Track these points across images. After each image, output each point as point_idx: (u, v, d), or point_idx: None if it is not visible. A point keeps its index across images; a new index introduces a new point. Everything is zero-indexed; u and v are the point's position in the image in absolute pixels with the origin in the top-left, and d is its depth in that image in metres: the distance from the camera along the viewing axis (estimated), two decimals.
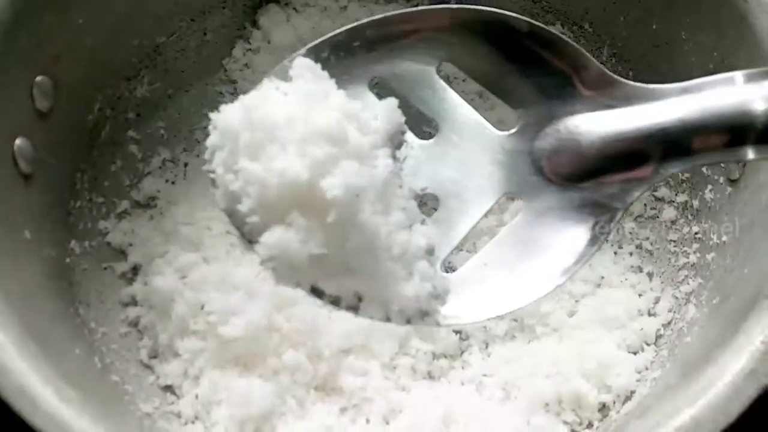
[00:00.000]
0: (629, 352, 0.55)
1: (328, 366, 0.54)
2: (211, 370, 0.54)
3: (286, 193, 0.39)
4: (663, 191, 0.62)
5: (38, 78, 0.52)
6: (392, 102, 0.45)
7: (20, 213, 0.49)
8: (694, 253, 0.57)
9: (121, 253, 0.60)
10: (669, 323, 0.56)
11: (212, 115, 0.42)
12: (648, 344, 0.56)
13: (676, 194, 0.61)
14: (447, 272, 0.44)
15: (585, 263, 0.43)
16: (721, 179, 0.55)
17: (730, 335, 0.42)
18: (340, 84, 0.43)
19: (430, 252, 0.44)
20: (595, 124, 0.43)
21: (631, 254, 0.61)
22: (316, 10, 0.70)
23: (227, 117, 0.42)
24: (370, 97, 0.45)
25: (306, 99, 0.41)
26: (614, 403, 0.53)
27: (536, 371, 0.55)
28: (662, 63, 0.58)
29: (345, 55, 0.45)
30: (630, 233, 0.61)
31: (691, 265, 0.57)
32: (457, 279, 0.44)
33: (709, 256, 0.54)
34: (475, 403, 0.54)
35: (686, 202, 0.60)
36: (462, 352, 0.58)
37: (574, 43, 0.44)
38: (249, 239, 0.41)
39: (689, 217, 0.59)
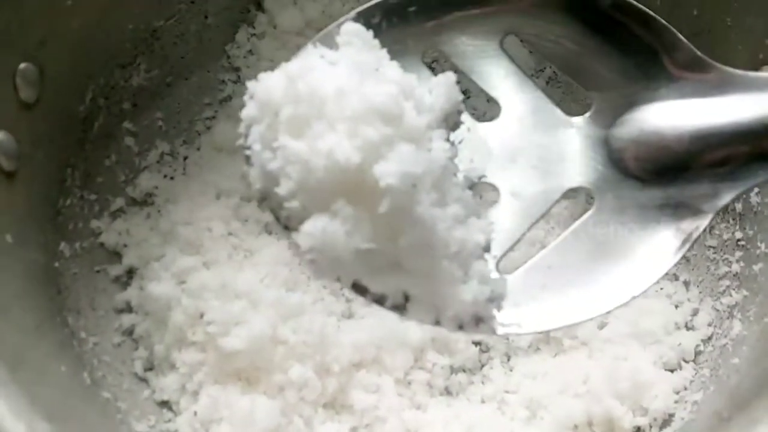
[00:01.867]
0: (666, 370, 0.51)
1: (337, 382, 0.50)
2: (211, 385, 0.50)
3: (333, 177, 0.34)
4: None
5: (21, 65, 0.48)
6: (450, 77, 0.40)
7: (2, 215, 0.45)
8: (737, 261, 0.52)
9: (115, 255, 0.57)
10: (709, 338, 0.51)
11: (249, 84, 0.37)
12: (686, 361, 0.51)
13: None
14: (503, 273, 0.39)
15: (665, 273, 0.38)
16: None
17: None
18: (392, 54, 0.38)
19: (486, 248, 0.39)
20: (684, 114, 0.38)
21: None
22: None
23: (267, 86, 0.36)
24: (425, 71, 0.40)
25: (357, 70, 0.36)
26: (650, 427, 0.49)
27: (564, 389, 0.50)
28: (703, 53, 0.53)
29: (398, 22, 0.40)
30: None
31: (734, 275, 0.52)
32: (517, 281, 0.39)
33: (756, 267, 0.50)
34: (498, 424, 0.50)
35: (727, 205, 0.55)
36: (482, 366, 0.54)
37: (663, 20, 0.39)
38: (286, 225, 0.37)
39: (731, 221, 0.54)
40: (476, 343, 0.54)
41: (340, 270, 0.36)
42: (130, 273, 0.56)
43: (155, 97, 0.62)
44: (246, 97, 0.37)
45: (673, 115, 0.38)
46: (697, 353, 0.51)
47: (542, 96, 0.41)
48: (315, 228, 0.34)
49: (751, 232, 0.52)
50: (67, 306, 0.51)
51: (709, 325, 0.52)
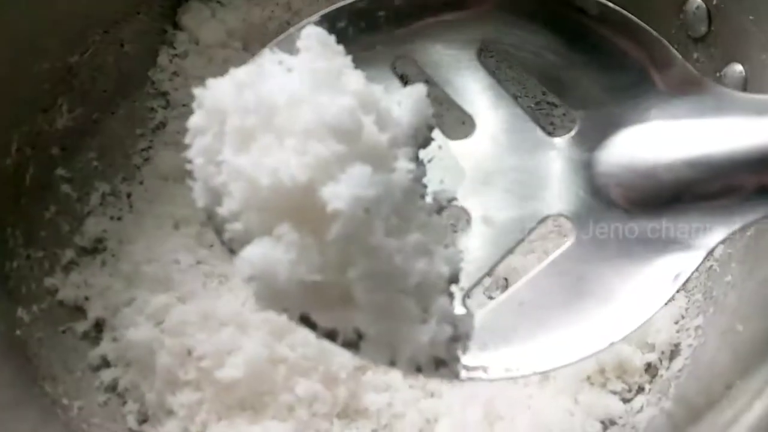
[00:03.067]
0: None
1: (346, 389, 0.48)
2: (216, 422, 0.47)
3: (278, 198, 0.31)
4: None
5: None
6: (420, 89, 0.36)
7: None
8: None
9: (78, 310, 0.53)
10: None
11: (196, 91, 0.33)
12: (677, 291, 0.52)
13: None
14: (470, 309, 0.35)
15: (651, 316, 0.34)
16: None
17: None
18: (358, 62, 0.34)
19: (453, 280, 0.34)
20: (675, 138, 0.34)
21: None
22: (241, 0, 0.63)
23: (216, 93, 0.33)
24: (394, 81, 0.37)
25: (314, 79, 0.32)
26: (660, 361, 0.49)
27: None
28: None
29: (366, 27, 0.36)
30: None
31: None
32: (485, 319, 0.34)
33: None
34: (514, 394, 0.49)
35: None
36: None
37: (655, 32, 0.35)
38: (230, 248, 0.33)
39: None
40: None
41: (285, 302, 0.32)
42: (98, 326, 0.52)
43: (84, 137, 0.58)
44: (194, 105, 0.34)
45: (664, 138, 0.34)
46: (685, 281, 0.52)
47: (521, 113, 0.37)
48: (255, 255, 0.31)
49: None
50: (41, 374, 0.47)
51: None
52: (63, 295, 0.52)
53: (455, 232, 0.38)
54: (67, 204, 0.56)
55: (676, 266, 0.34)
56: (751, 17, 0.47)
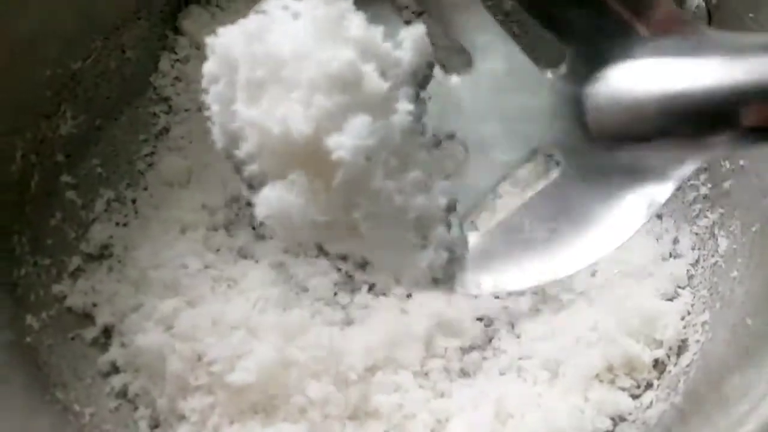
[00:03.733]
0: (666, 300, 0.52)
1: (357, 390, 0.49)
2: (228, 426, 0.47)
3: (288, 146, 0.34)
4: None
5: None
6: (419, 29, 0.37)
7: None
8: (703, 184, 0.54)
9: (86, 317, 0.52)
10: (697, 261, 0.53)
11: (208, 40, 0.36)
12: (682, 287, 0.53)
13: None
14: (466, 232, 0.39)
15: (629, 236, 0.38)
16: None
17: None
18: (359, 2, 0.36)
19: (451, 208, 0.38)
20: (657, 75, 0.36)
21: None
22: (241, 4, 0.64)
23: (226, 42, 0.35)
24: (395, 17, 0.38)
25: (317, 28, 0.34)
26: (668, 357, 0.50)
27: (576, 341, 0.51)
28: None
29: None
30: None
31: (704, 197, 0.54)
32: (479, 242, 0.39)
33: (726, 184, 0.52)
34: (524, 391, 0.50)
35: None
36: (490, 340, 0.54)
37: None
38: (249, 185, 0.36)
39: None
40: (479, 318, 0.54)
41: (299, 237, 0.36)
42: (107, 332, 0.52)
43: (88, 144, 0.58)
44: (208, 51, 0.36)
45: (646, 74, 0.37)
46: (690, 277, 0.53)
47: (517, 49, 0.40)
48: (271, 197, 0.34)
49: None
50: (52, 381, 0.47)
51: (693, 248, 0.54)
52: (71, 302, 0.52)
53: (452, 164, 0.40)
54: (72, 211, 0.55)
55: (651, 195, 0.38)
56: (750, 15, 0.48)
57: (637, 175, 0.38)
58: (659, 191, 0.38)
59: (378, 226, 0.35)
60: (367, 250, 0.36)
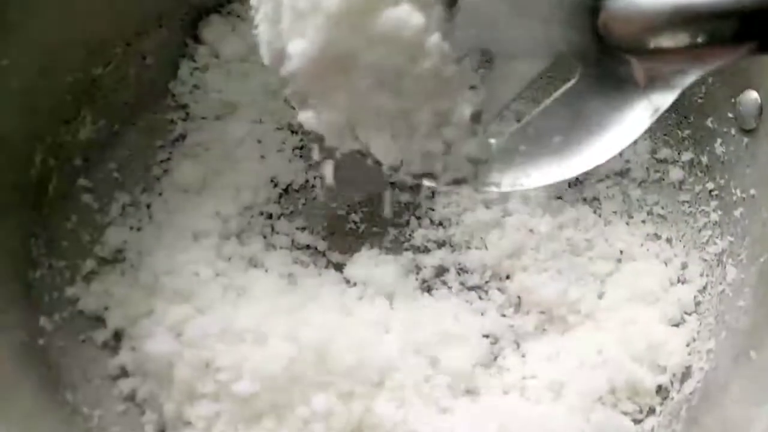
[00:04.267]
0: (672, 326, 0.52)
1: (362, 403, 0.49)
2: None
3: (327, 64, 0.38)
4: (664, 152, 0.59)
5: None
6: None
7: None
8: (714, 211, 0.55)
9: (98, 320, 0.53)
10: (705, 288, 0.53)
11: None
12: (688, 314, 0.53)
13: (679, 153, 0.59)
14: (489, 138, 0.42)
15: (636, 137, 0.41)
16: (732, 130, 0.53)
17: None
18: None
19: (476, 117, 0.41)
20: None
21: (644, 222, 0.58)
22: None
23: None
24: None
25: None
26: (672, 383, 0.50)
27: (581, 364, 0.51)
28: None
29: None
30: (638, 200, 0.59)
31: (714, 224, 0.54)
32: (502, 145, 0.43)
33: (736, 212, 0.52)
34: (526, 411, 0.50)
35: (692, 159, 0.58)
36: (495, 358, 0.54)
37: None
38: (290, 104, 0.40)
39: (699, 174, 0.57)
40: (485, 336, 0.54)
41: (342, 141, 0.40)
42: (117, 336, 0.53)
43: (106, 148, 0.59)
44: None
45: None
46: (697, 304, 0.53)
47: None
48: (310, 116, 0.39)
49: (722, 181, 0.54)
50: (62, 382, 0.48)
51: (701, 275, 0.54)
52: (83, 305, 0.53)
53: (478, 73, 0.43)
54: (88, 214, 0.56)
55: (656, 102, 0.41)
56: None
57: (645, 83, 0.41)
58: (663, 99, 0.41)
59: (404, 127, 0.39)
60: (399, 147, 0.40)
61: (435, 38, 0.38)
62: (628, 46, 0.40)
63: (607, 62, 0.41)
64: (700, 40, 0.38)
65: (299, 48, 0.37)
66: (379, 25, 0.37)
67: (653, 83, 0.41)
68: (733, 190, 0.52)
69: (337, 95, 0.39)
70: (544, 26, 0.42)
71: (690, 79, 0.40)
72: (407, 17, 0.37)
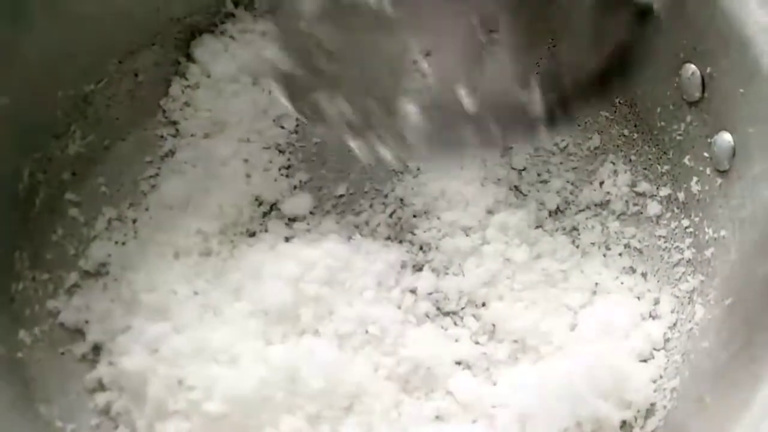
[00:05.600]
0: (640, 361, 0.53)
1: (329, 427, 0.50)
2: None
3: None
4: (643, 186, 0.60)
5: None
6: None
7: None
8: (688, 248, 0.55)
9: (78, 333, 0.54)
10: (674, 325, 0.54)
11: None
12: (657, 350, 0.54)
13: (657, 188, 0.59)
14: None
15: None
16: (708, 170, 0.53)
17: (760, 347, 0.39)
18: None
19: None
20: None
21: (620, 255, 0.58)
22: (255, 35, 0.66)
23: None
24: None
25: None
26: (636, 419, 0.51)
27: (549, 396, 0.52)
28: None
29: None
30: (615, 233, 0.59)
31: (687, 261, 0.55)
32: None
33: (708, 252, 0.52)
34: None
35: (670, 195, 0.58)
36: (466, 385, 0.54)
37: None
38: None
39: (675, 210, 0.57)
40: (457, 362, 0.55)
41: None
42: (96, 349, 0.54)
43: (95, 163, 0.60)
44: None
45: None
46: (666, 340, 0.54)
47: None
48: None
49: (697, 219, 0.55)
50: (38, 395, 0.49)
51: (672, 311, 0.55)
52: (64, 318, 0.54)
53: None
54: (74, 228, 0.57)
55: None
56: (741, 90, 0.48)
57: None
58: None
59: None
60: None
61: None
62: None
63: None
64: None
65: None
66: None
67: None
68: (706, 229, 0.53)
69: None
70: None
71: None
72: None
